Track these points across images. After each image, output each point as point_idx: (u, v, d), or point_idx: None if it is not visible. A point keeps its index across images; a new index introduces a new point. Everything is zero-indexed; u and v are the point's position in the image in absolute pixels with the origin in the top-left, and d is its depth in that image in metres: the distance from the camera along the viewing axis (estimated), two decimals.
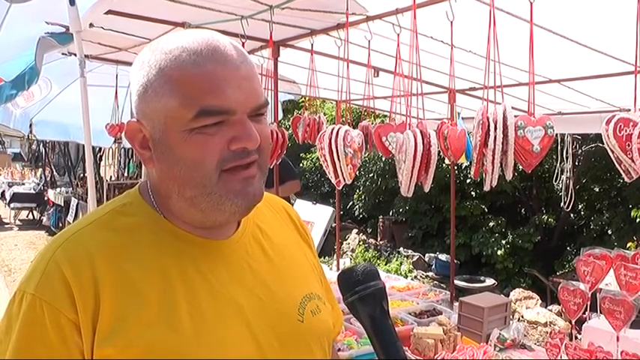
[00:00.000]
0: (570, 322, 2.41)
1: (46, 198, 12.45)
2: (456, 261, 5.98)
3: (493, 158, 1.92)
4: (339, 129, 2.71)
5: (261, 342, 0.87)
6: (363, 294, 0.88)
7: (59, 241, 0.86)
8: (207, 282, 0.87)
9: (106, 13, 2.85)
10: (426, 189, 2.29)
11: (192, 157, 0.82)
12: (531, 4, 1.92)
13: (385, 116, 5.28)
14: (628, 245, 6.03)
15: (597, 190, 8.14)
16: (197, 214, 0.88)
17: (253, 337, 0.87)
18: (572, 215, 8.29)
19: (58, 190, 11.52)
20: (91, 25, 3.11)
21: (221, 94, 0.81)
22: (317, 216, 8.55)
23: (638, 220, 6.64)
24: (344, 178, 2.71)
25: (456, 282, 6.00)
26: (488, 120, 1.91)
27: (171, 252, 0.87)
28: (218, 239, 0.92)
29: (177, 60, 0.82)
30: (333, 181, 2.78)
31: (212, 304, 0.86)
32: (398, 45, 2.54)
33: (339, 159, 2.67)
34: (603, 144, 1.86)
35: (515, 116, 1.97)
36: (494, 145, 1.91)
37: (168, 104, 0.82)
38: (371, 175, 9.43)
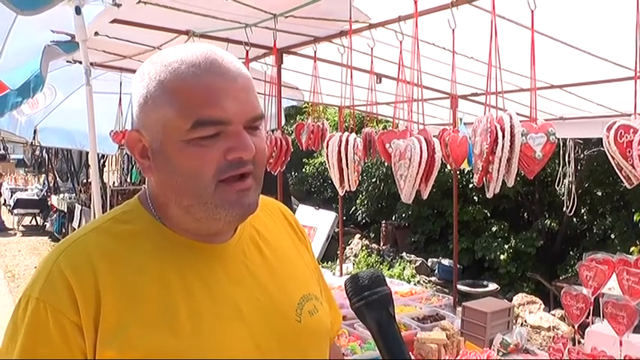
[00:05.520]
0: (573, 327, 2.42)
1: (49, 204, 12.49)
2: (458, 266, 5.98)
3: (499, 166, 1.93)
4: (347, 136, 2.73)
5: (259, 343, 0.89)
6: (369, 299, 0.89)
7: (62, 247, 0.88)
8: (206, 285, 0.89)
9: (112, 22, 2.88)
10: (425, 196, 2.29)
11: (190, 168, 0.84)
12: (532, 11, 1.94)
13: (388, 122, 5.30)
14: (631, 250, 6.02)
15: (600, 194, 8.13)
16: (193, 222, 0.90)
17: (252, 339, 0.88)
18: (574, 219, 8.28)
19: (62, 195, 11.55)
20: (96, 33, 3.13)
21: (217, 105, 0.82)
22: (320, 221, 8.56)
23: None
24: (350, 185, 2.73)
25: (459, 287, 6.00)
26: (496, 128, 1.92)
27: (170, 257, 0.89)
28: (216, 243, 0.93)
29: (176, 72, 0.84)
30: (338, 187, 2.80)
31: (211, 307, 0.87)
32: (400, 52, 2.55)
33: (347, 166, 2.69)
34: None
35: None
36: (502, 153, 1.91)
37: (167, 115, 0.84)
38: (373, 181, 9.45)
